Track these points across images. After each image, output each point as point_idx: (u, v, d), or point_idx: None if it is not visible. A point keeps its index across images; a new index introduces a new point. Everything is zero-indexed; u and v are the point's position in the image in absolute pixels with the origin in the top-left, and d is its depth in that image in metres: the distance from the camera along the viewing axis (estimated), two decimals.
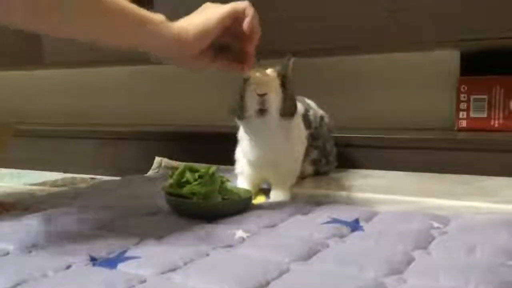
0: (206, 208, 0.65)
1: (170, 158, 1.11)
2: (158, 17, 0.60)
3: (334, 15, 0.99)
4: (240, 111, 0.70)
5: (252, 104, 0.68)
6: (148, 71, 1.42)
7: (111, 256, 0.51)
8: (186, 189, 0.68)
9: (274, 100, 0.68)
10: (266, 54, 1.03)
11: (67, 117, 1.56)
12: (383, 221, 0.63)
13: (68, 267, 0.48)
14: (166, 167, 1.10)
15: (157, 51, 0.63)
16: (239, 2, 0.64)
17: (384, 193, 0.73)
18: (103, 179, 1.13)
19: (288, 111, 0.70)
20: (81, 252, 0.51)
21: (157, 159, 1.12)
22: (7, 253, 0.53)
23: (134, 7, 0.58)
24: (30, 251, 0.53)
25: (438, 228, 0.60)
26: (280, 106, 0.68)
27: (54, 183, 1.06)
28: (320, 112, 0.87)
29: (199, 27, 0.61)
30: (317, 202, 0.72)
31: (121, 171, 1.15)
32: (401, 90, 1.14)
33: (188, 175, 0.70)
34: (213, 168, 0.71)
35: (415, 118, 1.12)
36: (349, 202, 0.72)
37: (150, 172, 1.10)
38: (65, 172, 1.21)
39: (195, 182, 0.69)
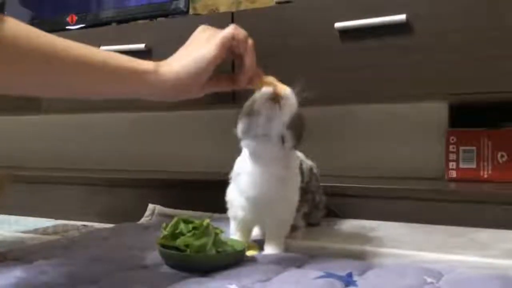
0: (199, 261, 0.65)
1: (164, 205, 1.11)
2: (148, 65, 0.59)
3: (322, 66, 1.02)
4: (247, 109, 0.67)
5: (262, 100, 0.65)
6: (143, 117, 1.43)
7: None
8: (179, 241, 0.68)
9: (289, 101, 0.65)
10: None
11: (59, 163, 1.56)
12: (376, 275, 0.63)
13: None
14: (159, 214, 1.10)
15: (150, 98, 0.63)
16: (229, 31, 0.62)
17: (378, 245, 0.73)
18: (95, 226, 1.12)
19: (297, 127, 0.67)
20: None
21: (150, 206, 1.11)
22: None
23: (120, 61, 0.58)
24: None
25: (431, 283, 0.60)
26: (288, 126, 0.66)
27: (45, 231, 1.05)
28: (309, 163, 0.88)
29: (191, 70, 0.60)
30: (310, 255, 0.72)
31: (113, 218, 1.15)
32: (391, 141, 1.17)
33: (182, 226, 0.70)
34: (207, 220, 0.71)
35: (404, 168, 1.14)
36: (342, 254, 0.72)
37: (142, 220, 1.09)
38: (57, 218, 1.20)
39: (189, 234, 0.69)
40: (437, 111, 1.10)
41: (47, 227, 1.08)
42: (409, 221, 0.91)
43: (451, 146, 1.06)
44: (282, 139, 0.67)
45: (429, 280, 0.61)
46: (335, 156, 1.20)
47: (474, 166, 1.04)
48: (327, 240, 0.78)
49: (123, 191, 1.19)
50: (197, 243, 0.66)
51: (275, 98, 0.65)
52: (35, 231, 1.05)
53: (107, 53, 0.58)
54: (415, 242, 0.75)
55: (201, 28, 0.64)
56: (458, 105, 1.07)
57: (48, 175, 1.31)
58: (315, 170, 0.88)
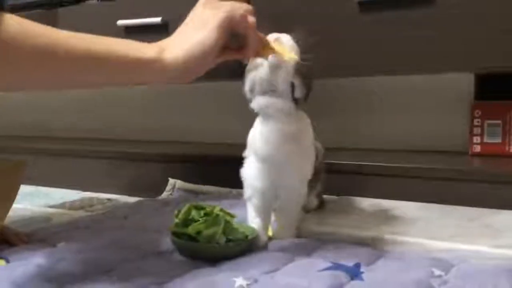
0: (209, 251, 0.66)
1: (185, 179, 1.13)
2: (151, 52, 0.57)
3: (348, 38, 0.98)
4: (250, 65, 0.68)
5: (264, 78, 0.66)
6: (166, 89, 1.44)
7: None
8: (191, 228, 0.69)
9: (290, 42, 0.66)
10: None
11: (84, 135, 1.60)
12: (384, 266, 0.63)
13: None
14: (179, 189, 1.12)
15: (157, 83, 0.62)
16: (224, 15, 0.59)
17: (389, 232, 0.73)
18: (119, 199, 1.16)
19: (305, 75, 0.67)
20: None
21: (171, 181, 1.14)
22: None
23: (123, 52, 0.56)
24: None
25: (439, 276, 0.60)
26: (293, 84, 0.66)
27: (72, 205, 1.09)
28: (317, 143, 0.86)
29: (195, 55, 0.58)
30: (322, 240, 0.72)
31: (137, 191, 1.18)
32: (413, 114, 1.14)
33: (193, 213, 0.72)
34: (218, 208, 0.72)
35: (428, 142, 1.11)
36: (353, 241, 0.72)
37: (163, 194, 1.12)
38: (84, 190, 1.25)
39: (201, 220, 0.70)
40: (462, 82, 1.05)
41: (74, 201, 1.13)
42: (428, 200, 0.89)
43: (475, 120, 1.02)
44: (292, 90, 0.67)
45: (437, 272, 0.60)
46: (355, 129, 1.18)
47: (499, 140, 1.01)
48: (339, 224, 0.78)
49: (147, 165, 1.22)
50: (206, 232, 0.67)
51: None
52: (63, 205, 1.09)
53: (109, 44, 0.56)
54: (429, 228, 0.74)
55: (202, 3, 0.61)
56: (485, 76, 1.02)
57: (75, 148, 1.34)
58: (322, 150, 0.86)
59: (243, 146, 0.76)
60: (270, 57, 0.65)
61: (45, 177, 1.32)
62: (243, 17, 0.60)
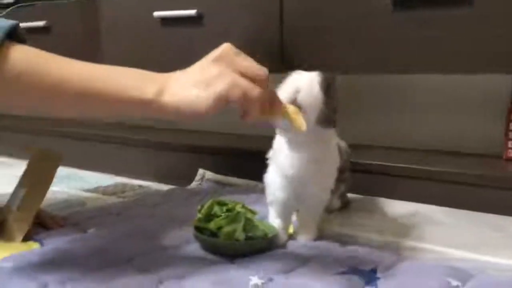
0: (228, 248, 0.68)
1: (215, 170, 1.16)
2: (151, 92, 0.55)
3: (382, 35, 0.97)
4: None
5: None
6: None
7: None
8: (212, 224, 0.71)
9: (310, 98, 0.64)
10: (316, 69, 1.05)
11: (122, 120, 1.64)
12: (399, 274, 0.63)
13: None
14: (208, 180, 1.15)
15: None
16: (223, 90, 0.54)
17: (410, 237, 0.73)
18: (150, 186, 1.20)
19: (326, 118, 0.66)
20: None
21: (200, 171, 1.17)
22: (46, 286, 0.59)
23: (122, 88, 0.55)
24: (63, 284, 0.59)
25: (456, 287, 0.59)
26: (318, 111, 0.65)
27: (105, 190, 1.14)
28: (342, 143, 0.85)
29: (189, 109, 0.55)
30: (341, 242, 0.73)
31: (168, 178, 1.22)
32: (448, 114, 1.11)
33: (216, 208, 0.74)
34: (239, 204, 0.74)
35: (461, 143, 1.09)
36: (373, 244, 0.72)
37: (193, 184, 1.15)
38: (117, 175, 1.30)
39: (223, 216, 0.72)
40: (500, 84, 1.02)
41: (108, 186, 1.17)
42: (455, 205, 0.88)
43: (511, 124, 0.99)
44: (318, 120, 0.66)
45: (454, 283, 0.60)
46: (386, 127, 1.17)
47: None
48: (360, 226, 0.78)
49: (179, 155, 1.24)
50: (226, 229, 0.69)
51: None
52: (96, 189, 1.14)
53: (112, 80, 0.56)
54: (451, 235, 0.74)
55: (216, 56, 0.57)
56: None
57: (112, 135, 1.39)
58: (347, 149, 0.86)
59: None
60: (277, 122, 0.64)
61: (82, 161, 1.38)
62: (242, 96, 0.55)
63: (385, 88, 1.17)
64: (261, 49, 1.15)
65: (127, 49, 1.35)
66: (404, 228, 0.77)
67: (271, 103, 0.59)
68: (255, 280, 0.60)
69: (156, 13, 1.21)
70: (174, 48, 1.25)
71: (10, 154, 1.52)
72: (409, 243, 0.71)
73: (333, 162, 0.74)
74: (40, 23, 1.55)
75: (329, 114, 0.66)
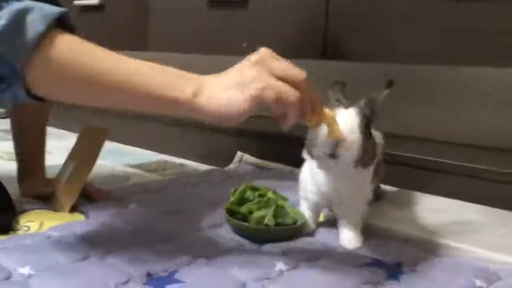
0: (257, 233, 0.71)
1: (253, 154, 1.18)
2: (187, 92, 0.56)
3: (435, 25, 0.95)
4: (309, 148, 0.66)
5: (323, 144, 0.62)
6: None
7: (163, 274, 0.59)
8: (244, 207, 0.74)
9: (350, 146, 0.62)
10: (359, 57, 1.04)
11: None
12: (424, 271, 0.63)
13: (127, 281, 0.58)
14: (246, 162, 1.18)
15: None
16: (258, 91, 0.54)
17: (440, 233, 0.72)
18: (190, 165, 1.24)
19: (365, 161, 0.64)
20: (141, 267, 0.60)
21: (239, 154, 1.20)
22: (87, 257, 0.64)
23: (159, 86, 0.56)
24: (102, 257, 0.63)
25: None
26: (357, 154, 0.62)
27: (148, 167, 1.19)
28: (377, 133, 0.82)
29: (224, 112, 0.55)
30: (369, 233, 0.74)
31: (208, 159, 1.26)
32: (494, 108, 1.07)
33: (249, 193, 0.77)
34: (271, 191, 0.76)
35: (500, 139, 1.05)
36: (402, 238, 0.73)
37: (231, 165, 1.18)
38: (160, 152, 1.35)
39: (254, 201, 0.75)
40: None
41: (151, 163, 1.23)
42: (492, 204, 0.86)
43: None
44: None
45: (478, 284, 0.60)
46: (430, 118, 1.14)
47: None
48: (392, 219, 0.78)
49: (221, 136, 1.27)
50: (256, 214, 0.72)
51: (333, 131, 0.61)
52: (140, 166, 1.20)
53: (148, 73, 0.57)
54: (483, 235, 0.73)
55: (255, 59, 0.56)
56: None
57: (159, 115, 1.43)
58: (382, 141, 0.83)
59: None
60: (323, 136, 0.61)
61: (130, 137, 1.44)
62: (277, 99, 0.54)
63: (427, 79, 1.14)
64: (305, 34, 1.15)
65: (174, 28, 1.39)
66: (435, 224, 0.77)
67: (313, 107, 0.57)
68: (280, 265, 0.62)
69: None
70: (219, 30, 1.27)
71: (66, 128, 1.61)
72: (439, 239, 0.71)
73: (370, 177, 0.72)
74: (95, 1, 1.61)
75: (368, 155, 0.64)
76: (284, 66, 0.56)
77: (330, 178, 0.69)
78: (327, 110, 0.60)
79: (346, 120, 0.62)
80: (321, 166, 0.67)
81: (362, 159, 0.63)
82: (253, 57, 0.56)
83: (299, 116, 0.56)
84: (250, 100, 0.54)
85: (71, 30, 0.58)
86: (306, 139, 0.66)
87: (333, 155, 0.62)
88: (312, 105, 0.57)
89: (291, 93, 0.54)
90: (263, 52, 0.56)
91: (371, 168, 0.70)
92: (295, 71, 0.56)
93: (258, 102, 0.54)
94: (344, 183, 0.69)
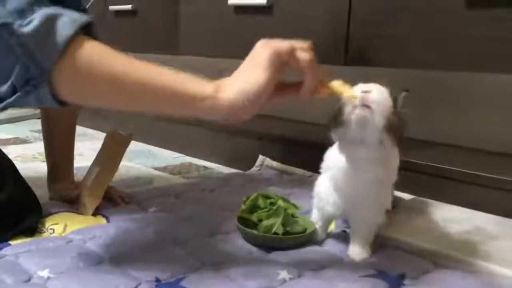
0: (265, 241, 0.73)
1: (276, 158, 1.20)
2: (209, 89, 0.59)
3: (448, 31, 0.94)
4: (335, 119, 0.65)
5: (348, 110, 0.62)
6: None
7: (171, 280, 0.63)
8: (255, 215, 0.77)
9: (381, 98, 0.62)
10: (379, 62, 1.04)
11: None
12: (427, 284, 0.64)
13: (136, 286, 0.61)
14: (267, 166, 1.20)
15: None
16: (271, 52, 0.58)
17: (450, 245, 0.72)
18: (214, 168, 1.27)
19: (392, 128, 0.62)
20: (151, 272, 0.63)
21: (261, 158, 1.22)
22: (102, 262, 0.68)
23: (181, 85, 0.59)
24: (116, 262, 0.67)
25: None
26: (386, 117, 0.62)
27: (172, 170, 1.23)
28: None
29: (246, 97, 0.58)
30: (376, 243, 0.74)
31: (231, 162, 1.28)
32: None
33: (260, 201, 0.79)
34: (281, 200, 0.78)
35: None
36: (410, 249, 0.73)
37: (252, 169, 1.21)
38: (186, 154, 1.39)
39: (265, 209, 0.77)
40: None
41: (175, 166, 1.27)
42: (508, 215, 0.85)
43: None
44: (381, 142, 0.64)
45: None
46: (450, 124, 1.13)
47: None
48: (402, 229, 0.79)
49: (245, 140, 1.30)
50: (265, 222, 0.74)
51: (363, 105, 0.62)
52: (164, 168, 1.24)
53: (169, 76, 0.60)
54: (497, 249, 0.72)
55: (260, 44, 0.60)
56: None
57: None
58: None
59: None
60: (349, 95, 0.61)
61: (157, 139, 1.49)
62: (290, 51, 0.58)
63: (448, 84, 1.12)
64: (327, 40, 1.15)
65: (202, 32, 1.42)
66: (447, 235, 0.76)
67: (321, 80, 0.61)
68: (283, 274, 0.64)
69: (230, 1, 1.26)
70: (244, 35, 1.30)
71: (100, 128, 1.67)
72: (448, 252, 0.70)
73: (391, 183, 0.72)
74: (128, 7, 1.66)
75: (397, 125, 0.63)
76: (287, 42, 0.59)
77: (352, 180, 0.68)
78: (333, 81, 0.62)
79: (378, 86, 0.64)
80: (347, 148, 0.66)
81: (390, 126, 0.62)
82: (257, 45, 0.60)
83: (315, 77, 0.59)
84: (269, 65, 0.57)
85: (95, 39, 0.61)
86: (330, 125, 0.66)
87: (365, 106, 0.62)
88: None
89: (303, 51, 0.59)
90: (263, 40, 0.60)
91: (396, 167, 0.70)
92: (299, 43, 0.59)
93: (276, 59, 0.57)
94: (366, 185, 0.68)
